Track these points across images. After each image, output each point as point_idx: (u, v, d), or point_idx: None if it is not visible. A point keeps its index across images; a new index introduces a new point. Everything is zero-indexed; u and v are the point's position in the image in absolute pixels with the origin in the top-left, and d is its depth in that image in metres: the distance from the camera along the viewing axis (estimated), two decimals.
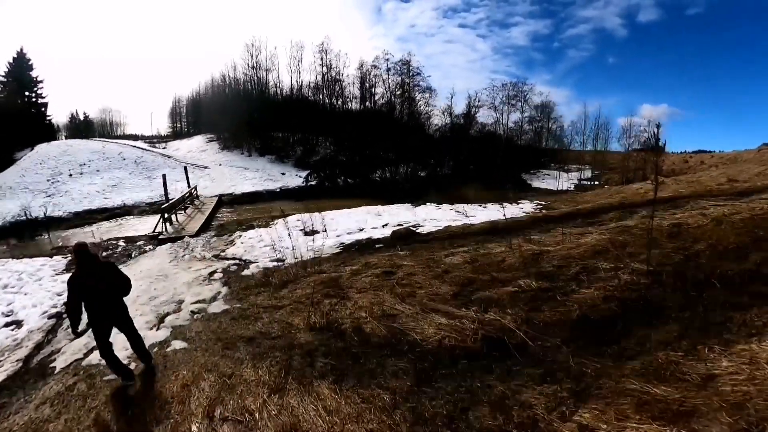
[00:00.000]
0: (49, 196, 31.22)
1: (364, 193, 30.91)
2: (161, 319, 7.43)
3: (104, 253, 14.40)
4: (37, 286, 11.57)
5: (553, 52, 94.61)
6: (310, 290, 6.88)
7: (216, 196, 28.93)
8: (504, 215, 10.92)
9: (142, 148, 44.44)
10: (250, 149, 46.39)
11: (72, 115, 62.87)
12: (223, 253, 12.63)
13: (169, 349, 5.93)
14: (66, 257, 14.21)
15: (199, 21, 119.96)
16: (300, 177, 37.87)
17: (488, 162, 43.92)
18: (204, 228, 17.65)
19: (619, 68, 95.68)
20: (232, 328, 6.22)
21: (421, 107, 51.83)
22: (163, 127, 71.46)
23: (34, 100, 45.11)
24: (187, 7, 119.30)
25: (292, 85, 51.92)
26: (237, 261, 11.35)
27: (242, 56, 54.75)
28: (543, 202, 19.21)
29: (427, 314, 5.27)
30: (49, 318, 9.17)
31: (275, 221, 16.11)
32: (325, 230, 12.26)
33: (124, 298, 4.96)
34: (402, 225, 13.65)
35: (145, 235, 17.13)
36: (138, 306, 8.39)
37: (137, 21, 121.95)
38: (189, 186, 28.27)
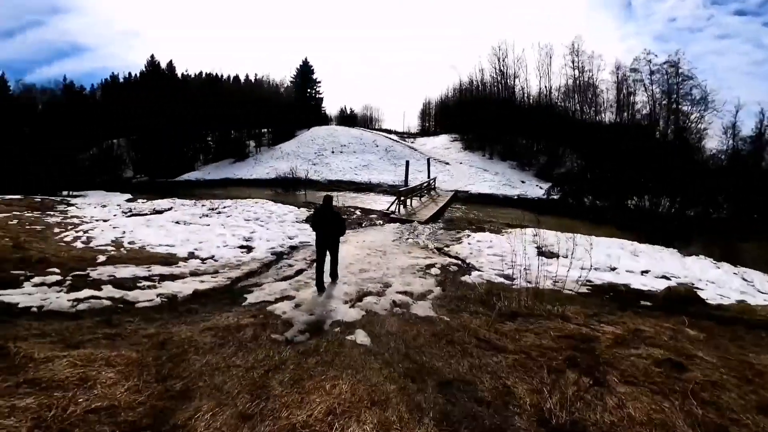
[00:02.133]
0: (314, 164, 39.16)
1: (613, 220, 25.52)
2: (360, 297, 6.78)
3: (343, 216, 15.45)
4: (278, 226, 13.48)
5: None
6: (548, 343, 4.84)
7: (452, 191, 28.92)
8: None
9: (392, 139, 50.02)
10: (491, 152, 45.25)
11: (341, 109, 76.71)
12: (446, 248, 11.68)
13: (348, 338, 5.01)
14: (310, 211, 15.91)
15: (449, 27, 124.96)
16: (540, 188, 34.32)
17: None
18: (434, 218, 17.31)
19: None
20: (430, 349, 4.77)
21: (692, 124, 39.17)
22: (413, 124, 77.42)
23: (313, 95, 61.08)
24: (438, 16, 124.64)
25: (540, 89, 48.10)
26: (459, 262, 10.17)
27: (489, 60, 53.55)
28: None
29: None
30: (272, 254, 10.25)
31: (509, 230, 14.42)
32: (567, 256, 9.74)
33: (340, 238, 7.71)
34: (668, 277, 10.24)
35: (380, 211, 18.21)
36: (347, 273, 8.22)
37: (398, 32, 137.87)
38: (429, 177, 28.96)
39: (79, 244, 10.07)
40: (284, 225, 13.88)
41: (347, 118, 70.70)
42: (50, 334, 4.72)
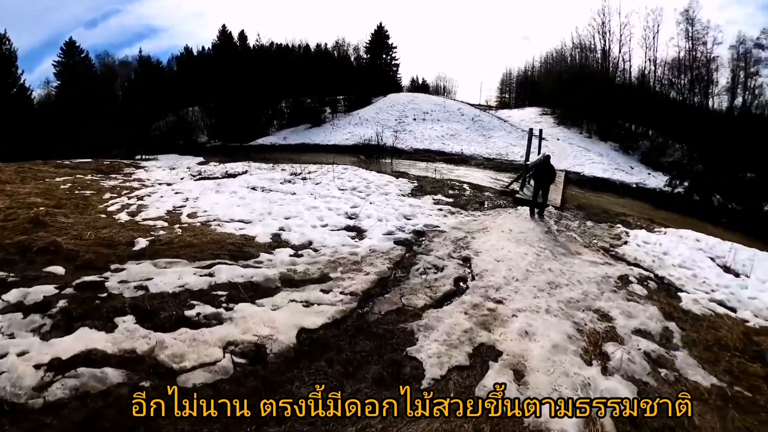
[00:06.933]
0: (395, 132, 34.82)
1: (749, 227, 18.76)
2: (595, 346, 4.25)
3: (450, 191, 12.82)
4: (384, 200, 10.50)
5: None
6: None
7: (562, 170, 23.85)
8: None
9: (479, 108, 45.92)
10: (590, 130, 39.01)
11: (412, 78, 72.15)
12: (614, 249, 8.39)
13: None
14: (412, 182, 13.50)
15: None
16: (653, 177, 28.47)
17: None
18: (563, 203, 13.56)
19: None
20: None
21: None
22: (491, 96, 70.94)
23: (389, 61, 57.59)
24: None
25: (644, 65, 39.42)
26: (647, 273, 7.15)
27: (587, 27, 44.14)
28: None
29: None
30: (396, 243, 6.97)
31: (661, 229, 10.92)
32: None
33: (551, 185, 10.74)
34: None
35: (492, 188, 15.12)
36: (535, 289, 5.65)
37: None
38: (539, 152, 24.55)
39: (122, 217, 7.18)
40: (390, 198, 10.62)
41: (419, 88, 66.30)
42: None
